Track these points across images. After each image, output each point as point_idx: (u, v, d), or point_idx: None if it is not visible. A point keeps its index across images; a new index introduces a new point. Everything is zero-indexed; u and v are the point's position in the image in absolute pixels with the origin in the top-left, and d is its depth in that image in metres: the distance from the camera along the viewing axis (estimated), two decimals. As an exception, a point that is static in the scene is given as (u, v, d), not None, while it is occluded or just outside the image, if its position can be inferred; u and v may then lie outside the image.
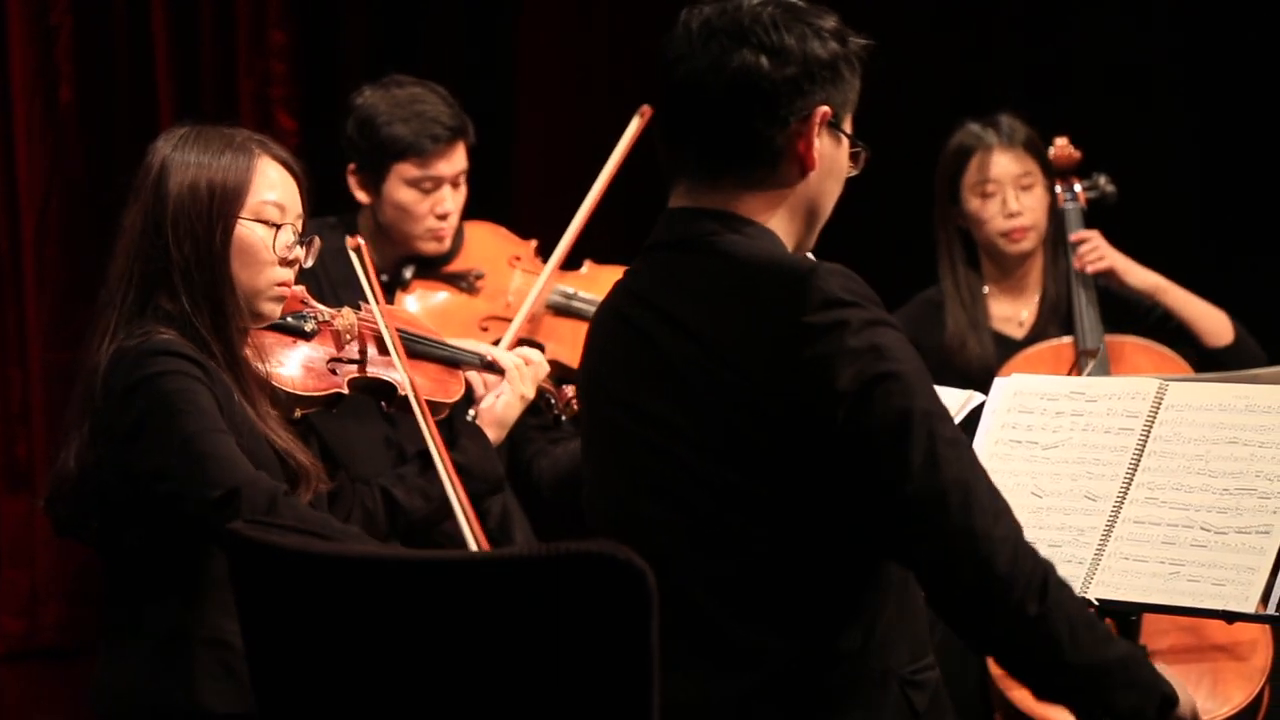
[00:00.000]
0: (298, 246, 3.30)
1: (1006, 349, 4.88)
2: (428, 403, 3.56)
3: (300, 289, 3.42)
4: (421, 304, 4.44)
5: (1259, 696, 4.31)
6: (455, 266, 4.52)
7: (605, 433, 2.82)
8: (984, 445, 3.19)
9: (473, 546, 3.43)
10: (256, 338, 3.32)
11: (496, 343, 4.00)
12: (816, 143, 2.75)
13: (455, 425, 3.69)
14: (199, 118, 3.36)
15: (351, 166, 4.46)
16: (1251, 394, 3.06)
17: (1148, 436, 3.09)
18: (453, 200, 4.45)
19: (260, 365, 3.30)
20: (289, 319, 3.45)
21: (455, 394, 3.68)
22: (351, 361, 3.53)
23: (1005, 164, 4.89)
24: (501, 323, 4.39)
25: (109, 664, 3.23)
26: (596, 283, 4.38)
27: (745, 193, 2.75)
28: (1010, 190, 4.89)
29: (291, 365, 3.44)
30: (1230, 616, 2.94)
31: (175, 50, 5.87)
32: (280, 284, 3.29)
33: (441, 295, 4.49)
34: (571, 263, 4.45)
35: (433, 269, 4.50)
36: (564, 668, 2.38)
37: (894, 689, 2.71)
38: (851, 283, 2.66)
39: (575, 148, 5.70)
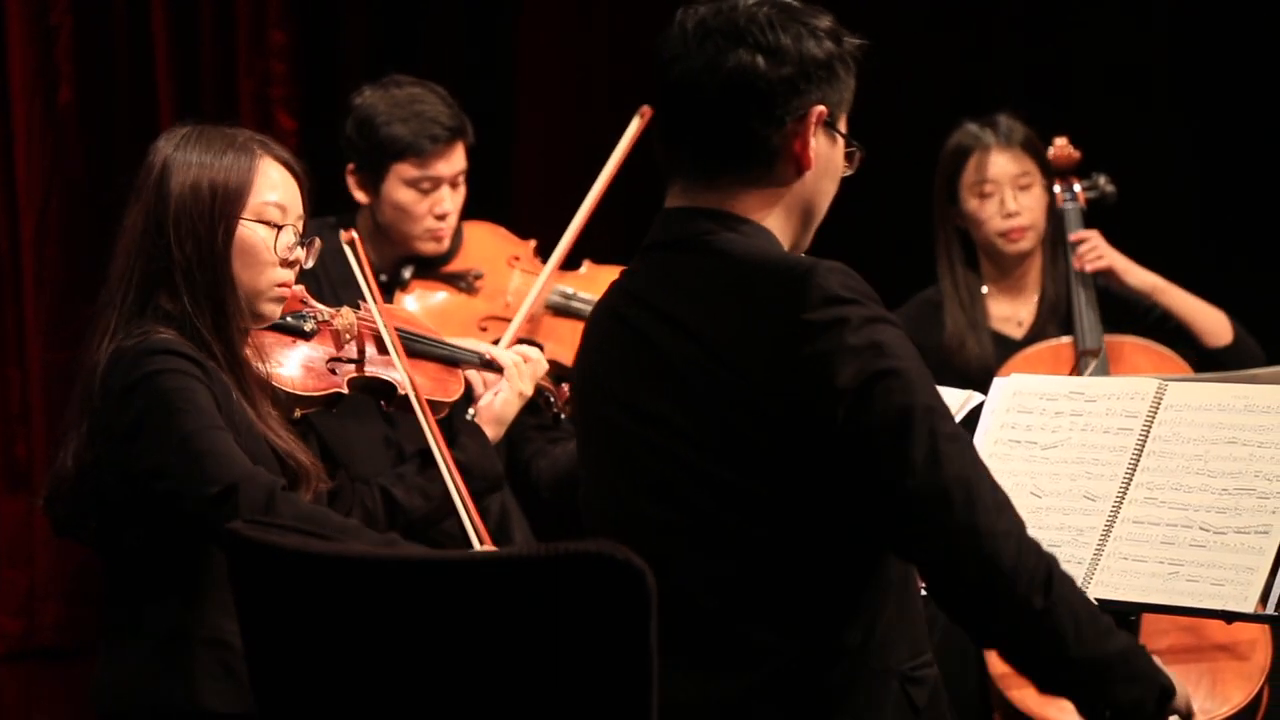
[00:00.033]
0: (298, 247, 3.30)
1: (1005, 349, 4.88)
2: (428, 402, 3.56)
3: (300, 288, 3.42)
4: (420, 304, 4.44)
5: (1258, 696, 4.31)
6: (454, 266, 4.52)
7: (602, 433, 2.82)
8: (983, 445, 3.19)
9: (476, 544, 3.43)
10: (256, 338, 3.32)
11: (496, 343, 4.00)
12: (812, 142, 2.75)
13: (454, 424, 3.69)
14: (199, 118, 3.35)
15: (350, 166, 4.47)
16: (1250, 394, 3.06)
17: (1147, 436, 3.09)
18: (451, 200, 4.46)
19: (261, 365, 3.30)
20: (288, 319, 3.45)
21: (455, 393, 3.68)
22: (351, 361, 3.53)
23: (1003, 164, 4.90)
24: (500, 323, 4.39)
25: (109, 664, 3.23)
26: (595, 283, 4.38)
27: (741, 192, 2.76)
28: (1008, 190, 4.89)
29: (291, 365, 3.44)
30: (1229, 616, 2.94)
31: (175, 50, 5.87)
32: (281, 285, 3.29)
33: (440, 295, 4.49)
34: (570, 263, 4.45)
35: (432, 269, 4.50)
36: (563, 667, 2.38)
37: (894, 686, 2.71)
38: (851, 280, 2.67)
39: (575, 148, 5.70)
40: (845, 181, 2.86)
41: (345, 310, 3.55)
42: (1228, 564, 2.94)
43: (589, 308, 4.19)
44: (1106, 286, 4.91)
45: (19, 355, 5.81)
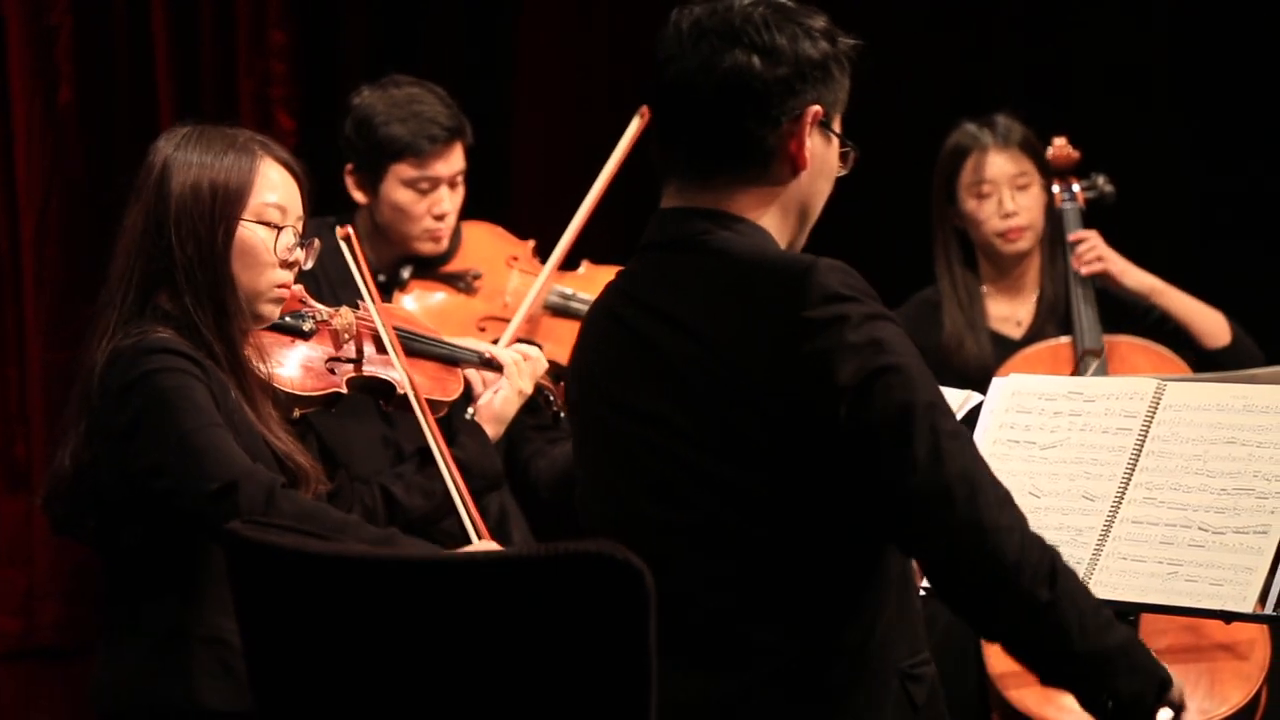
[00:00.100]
0: (298, 248, 3.30)
1: (1004, 349, 4.88)
2: (427, 401, 3.56)
3: (299, 288, 3.42)
4: (419, 304, 4.44)
5: (1257, 696, 4.31)
6: (453, 267, 4.52)
7: (599, 433, 2.82)
8: (982, 445, 3.19)
9: (475, 540, 3.44)
10: (254, 338, 3.32)
11: (494, 343, 4.00)
12: (808, 142, 2.75)
13: (454, 422, 3.69)
14: (199, 118, 3.36)
15: (349, 167, 4.47)
16: (1249, 394, 3.06)
17: (1146, 436, 3.09)
18: (450, 201, 4.45)
19: (261, 366, 3.30)
20: (287, 318, 3.45)
21: (454, 392, 3.68)
22: (350, 361, 3.53)
23: (1001, 164, 4.90)
24: (499, 323, 4.39)
25: (107, 663, 3.23)
26: (594, 283, 4.38)
27: (738, 192, 2.76)
28: (1006, 190, 4.89)
29: (290, 365, 3.44)
30: (1228, 616, 2.94)
31: (175, 50, 5.86)
32: (280, 286, 3.29)
33: (439, 295, 4.49)
34: (569, 263, 4.45)
35: (430, 269, 4.50)
36: (562, 667, 2.38)
37: (894, 684, 2.72)
38: (850, 278, 2.67)
39: (574, 148, 5.70)
40: (845, 181, 2.87)
41: (344, 310, 3.55)
42: (1226, 564, 2.94)
43: (587, 308, 4.19)
44: (1105, 287, 4.91)
45: (18, 355, 5.81)
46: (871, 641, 2.70)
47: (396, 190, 4.42)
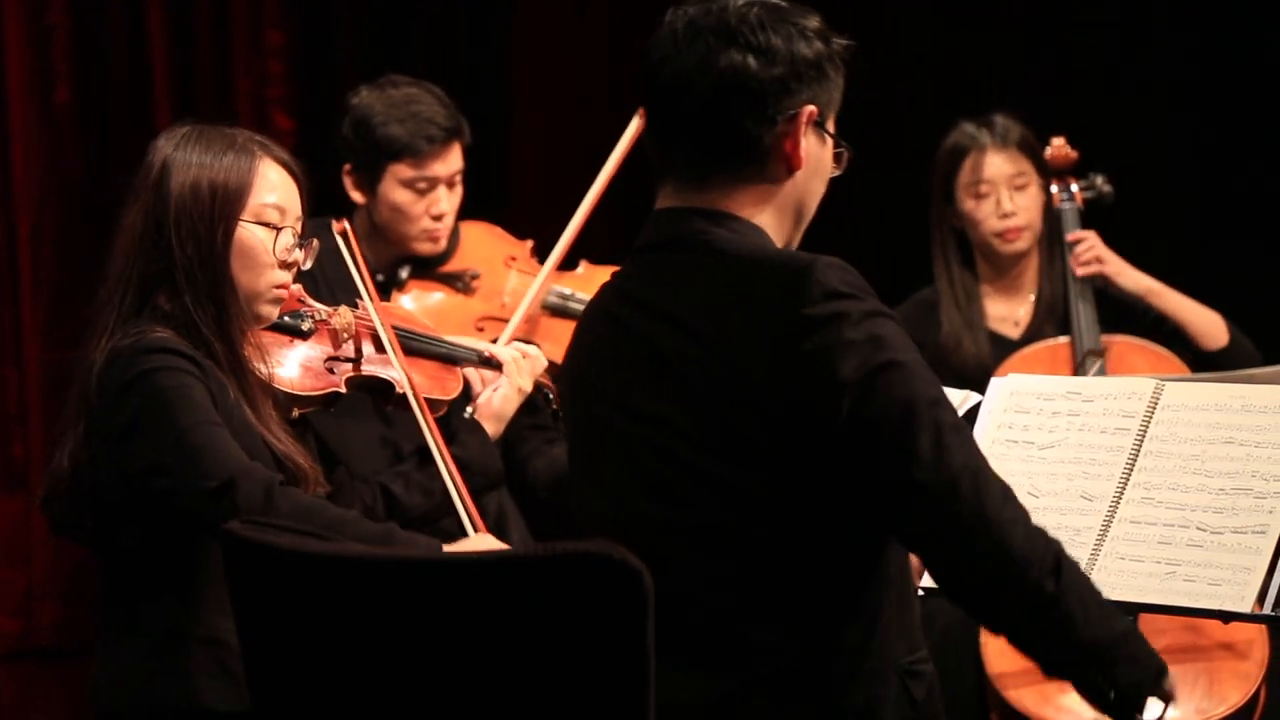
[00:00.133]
0: (297, 249, 3.30)
1: (1002, 349, 4.88)
2: (426, 400, 3.56)
3: (297, 288, 3.42)
4: (417, 304, 4.44)
5: (1255, 696, 4.31)
6: (451, 267, 4.52)
7: (595, 433, 2.82)
8: (981, 445, 3.17)
9: (473, 535, 3.44)
10: (254, 337, 3.32)
11: (493, 342, 4.00)
12: (803, 142, 2.76)
13: (453, 421, 3.69)
14: (197, 118, 3.35)
15: (347, 167, 4.46)
16: (1247, 394, 3.06)
17: (1144, 436, 3.09)
18: (448, 201, 4.45)
19: (261, 366, 3.30)
20: (286, 318, 3.45)
21: (453, 391, 3.69)
22: (349, 360, 3.53)
23: (999, 164, 4.90)
24: (497, 323, 4.39)
25: (106, 663, 3.23)
26: (592, 283, 4.35)
27: (734, 191, 2.77)
28: (1004, 190, 4.89)
29: (289, 365, 3.44)
30: (1226, 616, 2.94)
31: (172, 50, 5.86)
32: (279, 286, 3.29)
33: (437, 295, 4.49)
34: (568, 263, 4.45)
35: (428, 269, 4.50)
36: (560, 667, 2.38)
37: (893, 681, 2.72)
38: (849, 275, 2.68)
39: (573, 148, 5.70)
40: (844, 181, 2.87)
41: (343, 309, 3.55)
42: (1225, 564, 2.94)
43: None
44: (1103, 287, 4.91)
45: (16, 355, 5.81)
46: (872, 640, 2.71)
47: (394, 190, 4.42)
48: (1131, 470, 3.07)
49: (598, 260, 4.50)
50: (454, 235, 4.53)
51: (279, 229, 3.27)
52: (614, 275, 2.88)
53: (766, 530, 2.67)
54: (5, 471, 5.83)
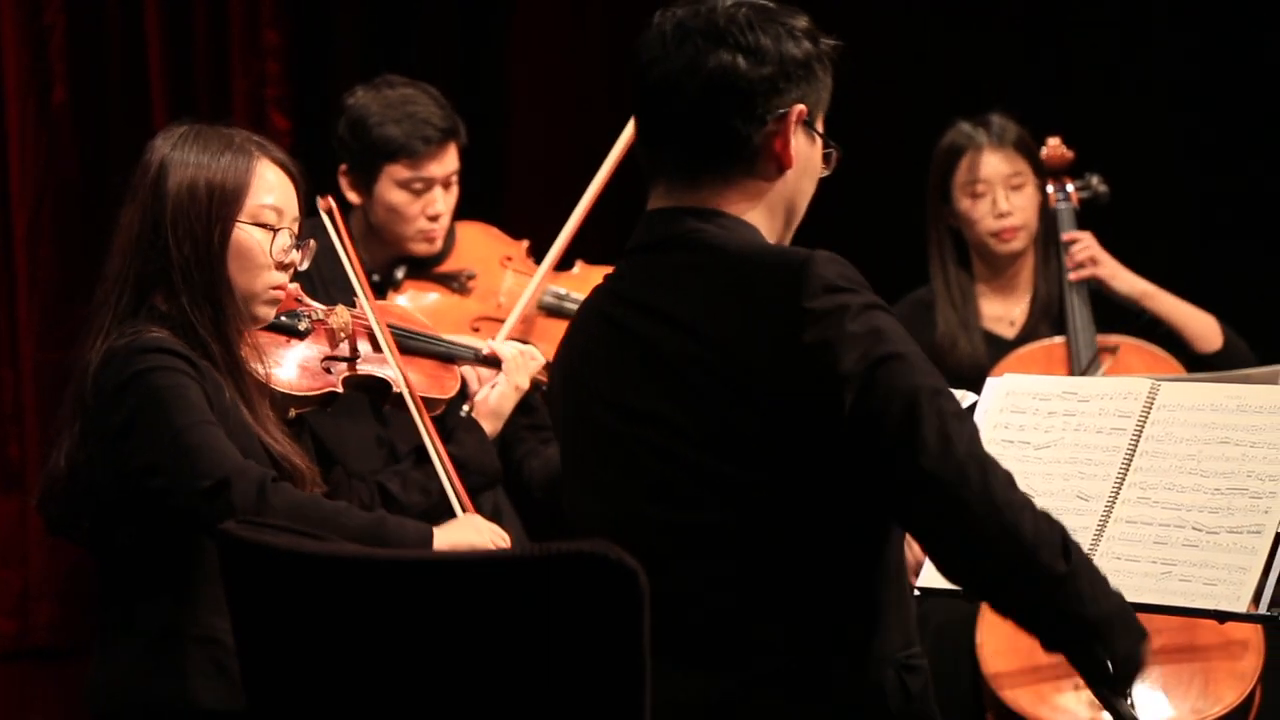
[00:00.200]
0: (294, 250, 3.30)
1: (998, 349, 4.89)
2: (424, 399, 3.57)
3: (295, 287, 3.42)
4: (413, 304, 4.44)
5: (1250, 696, 4.32)
6: (447, 267, 4.52)
7: (589, 434, 2.82)
8: (977, 444, 3.19)
9: (462, 516, 3.44)
10: (251, 338, 3.32)
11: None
12: (793, 141, 2.76)
13: (451, 420, 3.69)
14: (193, 118, 3.35)
15: (343, 167, 4.46)
16: (1243, 394, 3.06)
17: (1140, 436, 3.09)
18: (444, 201, 4.45)
19: (258, 367, 3.30)
20: (283, 318, 3.45)
21: (451, 389, 3.69)
22: (345, 359, 3.53)
23: (995, 164, 4.90)
24: (493, 323, 4.39)
25: (102, 663, 3.23)
26: (588, 283, 4.35)
27: (725, 190, 2.78)
28: (1000, 190, 4.89)
29: (286, 365, 3.44)
30: (1222, 616, 2.94)
31: (169, 50, 5.86)
32: (275, 287, 3.29)
33: (433, 296, 4.49)
34: (564, 263, 4.45)
35: (424, 269, 4.50)
36: (556, 667, 2.38)
37: (891, 675, 2.73)
38: (847, 269, 2.69)
39: (570, 148, 5.70)
40: (841, 180, 2.88)
41: (340, 309, 3.55)
42: (1220, 564, 2.94)
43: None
44: (1098, 288, 4.91)
45: (12, 355, 5.81)
46: (872, 638, 2.71)
47: (391, 191, 4.42)
48: (1127, 470, 3.07)
49: (594, 261, 4.50)
50: (450, 236, 4.53)
51: (276, 230, 3.27)
52: (606, 277, 2.89)
53: (766, 529, 2.67)
54: (1, 472, 5.83)
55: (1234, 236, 5.69)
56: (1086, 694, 4.03)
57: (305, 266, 3.35)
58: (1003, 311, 4.98)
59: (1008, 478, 2.65)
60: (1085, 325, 4.83)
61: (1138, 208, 5.26)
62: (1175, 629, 4.23)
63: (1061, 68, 5.89)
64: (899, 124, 5.43)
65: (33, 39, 5.78)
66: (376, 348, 3.56)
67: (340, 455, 4.06)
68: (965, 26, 5.89)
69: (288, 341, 3.47)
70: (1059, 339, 4.86)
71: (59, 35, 5.79)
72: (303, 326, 3.49)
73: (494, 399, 3.74)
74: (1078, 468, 3.10)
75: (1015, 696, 4.33)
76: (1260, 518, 2.94)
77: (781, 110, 2.76)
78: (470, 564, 2.48)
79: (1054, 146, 4.99)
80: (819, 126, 2.82)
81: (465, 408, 3.74)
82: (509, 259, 4.56)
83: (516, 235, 4.63)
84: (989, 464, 2.64)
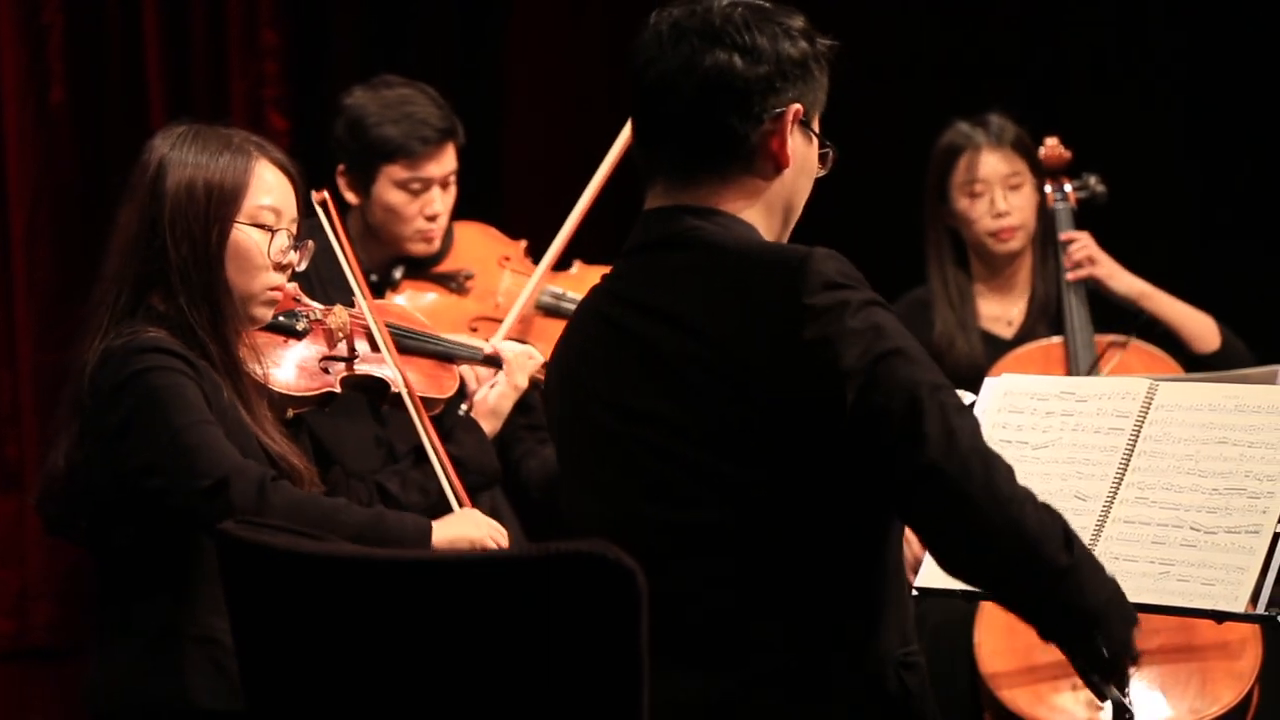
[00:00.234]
0: (292, 251, 3.30)
1: (995, 349, 4.89)
2: (423, 398, 3.56)
3: (293, 287, 3.42)
4: (411, 305, 4.43)
5: (1248, 696, 4.32)
6: (445, 267, 4.52)
7: (586, 434, 2.82)
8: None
9: (458, 510, 3.44)
10: (249, 338, 3.32)
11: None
12: (790, 140, 2.77)
13: (449, 419, 3.69)
14: (192, 118, 3.35)
15: (341, 168, 4.46)
16: (1241, 394, 3.06)
17: (1138, 436, 3.09)
18: (442, 201, 4.45)
19: (256, 367, 3.30)
20: (281, 318, 3.45)
21: (450, 389, 3.69)
22: (344, 359, 3.53)
23: (993, 164, 4.90)
24: (491, 323, 4.39)
25: (101, 663, 3.23)
26: (586, 283, 4.35)
27: (723, 189, 2.78)
28: (998, 190, 4.90)
29: (284, 365, 3.44)
30: (1220, 616, 2.94)
31: (167, 50, 5.86)
32: (273, 288, 3.29)
33: (431, 296, 4.48)
34: (562, 263, 4.45)
35: (422, 270, 4.50)
36: (554, 666, 2.38)
37: (890, 673, 2.73)
38: (845, 266, 2.70)
39: (568, 148, 5.70)
40: (840, 180, 2.88)
41: (338, 308, 3.55)
42: (1218, 564, 2.94)
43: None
44: (1096, 288, 4.91)
45: (10, 356, 5.81)
46: (871, 637, 2.72)
47: (388, 191, 4.42)
48: (1125, 470, 3.07)
49: (592, 260, 4.50)
50: (448, 236, 4.53)
51: (274, 231, 3.27)
52: (604, 277, 2.89)
53: (765, 527, 2.67)
54: (-1, 472, 5.84)
55: (1232, 236, 5.69)
56: (1084, 694, 4.04)
57: (303, 267, 3.35)
58: (1000, 311, 4.99)
59: (1009, 472, 2.65)
60: (1083, 325, 4.83)
61: (1136, 208, 5.26)
62: (1173, 629, 4.23)
63: (1059, 68, 5.90)
64: (897, 124, 5.43)
65: (31, 39, 5.78)
66: (375, 347, 3.56)
67: (339, 455, 4.06)
68: (963, 26, 5.90)
69: (286, 341, 3.47)
70: (1057, 339, 4.86)
71: (57, 35, 5.79)
72: (300, 326, 3.49)
73: (493, 399, 3.74)
74: (1076, 468, 3.10)
75: (1013, 696, 4.33)
76: (1258, 517, 2.94)
77: (778, 109, 2.76)
78: (469, 564, 2.48)
79: (1052, 146, 4.99)
80: (815, 126, 2.82)
81: (464, 407, 3.74)
82: (507, 259, 4.56)
83: (514, 235, 4.63)
84: (992, 458, 2.64)
